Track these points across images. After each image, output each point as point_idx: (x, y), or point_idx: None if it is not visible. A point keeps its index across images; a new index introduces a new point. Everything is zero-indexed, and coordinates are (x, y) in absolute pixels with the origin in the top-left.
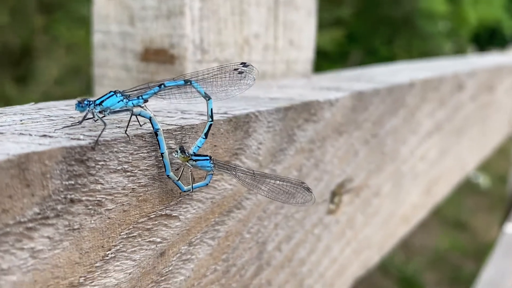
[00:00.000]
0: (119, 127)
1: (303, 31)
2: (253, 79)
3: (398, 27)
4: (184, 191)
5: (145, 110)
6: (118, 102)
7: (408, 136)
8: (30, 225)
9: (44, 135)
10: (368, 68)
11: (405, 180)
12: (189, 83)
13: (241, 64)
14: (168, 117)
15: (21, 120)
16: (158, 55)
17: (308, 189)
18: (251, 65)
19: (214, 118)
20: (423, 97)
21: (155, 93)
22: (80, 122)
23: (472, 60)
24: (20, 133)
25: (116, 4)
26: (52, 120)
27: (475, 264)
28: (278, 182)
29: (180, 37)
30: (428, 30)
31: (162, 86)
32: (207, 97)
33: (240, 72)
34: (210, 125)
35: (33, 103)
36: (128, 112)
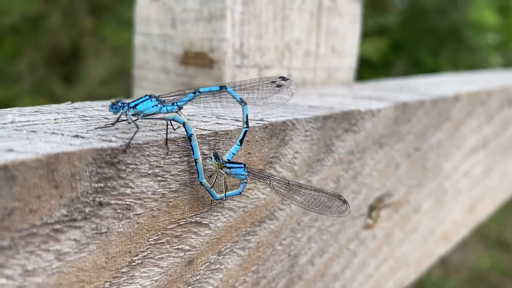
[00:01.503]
0: (152, 130)
1: (347, 38)
2: (291, 94)
3: (444, 38)
4: (217, 199)
5: (179, 115)
6: (153, 106)
7: (452, 151)
8: (57, 226)
9: (76, 136)
10: (412, 78)
11: (447, 197)
12: (224, 88)
13: (280, 78)
14: (203, 121)
15: (55, 119)
16: (197, 59)
17: (344, 201)
18: (290, 79)
19: (250, 124)
20: (470, 111)
21: (189, 100)
22: (113, 124)
23: None
24: (52, 132)
25: (158, 6)
26: (86, 120)
27: None
28: (313, 192)
29: (220, 41)
30: (476, 42)
31: (197, 92)
32: (242, 103)
33: (279, 86)
34: (245, 131)
35: (69, 102)
36: (161, 115)
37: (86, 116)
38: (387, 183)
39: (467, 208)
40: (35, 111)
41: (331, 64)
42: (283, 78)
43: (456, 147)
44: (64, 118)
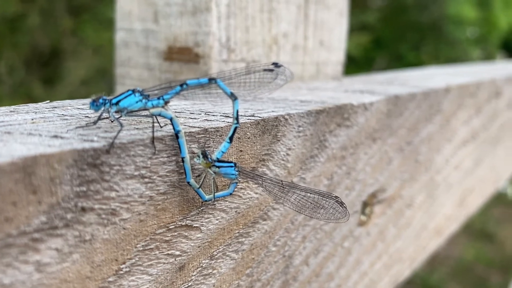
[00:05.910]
0: (137, 128)
1: (334, 32)
2: (285, 80)
3: (425, 33)
4: (206, 201)
5: (166, 110)
6: (137, 102)
7: (443, 144)
8: (36, 235)
9: (55, 136)
10: (400, 71)
11: (438, 190)
12: (213, 81)
13: (272, 64)
14: (191, 118)
15: (32, 119)
16: (182, 54)
17: (341, 204)
18: (283, 66)
19: (241, 121)
20: (460, 104)
21: (177, 93)
22: (95, 122)
23: (509, 66)
24: (29, 133)
25: (140, 0)
26: (66, 119)
27: (502, 277)
28: (308, 194)
29: (206, 35)
30: (456, 36)
31: (184, 85)
32: (233, 97)
33: (270, 70)
34: (236, 128)
35: (48, 101)
36: (146, 113)
37: (66, 115)
38: (380, 178)
39: (458, 201)
40: (11, 111)
41: (319, 57)
42: (276, 65)
43: (447, 140)
44: (42, 117)
